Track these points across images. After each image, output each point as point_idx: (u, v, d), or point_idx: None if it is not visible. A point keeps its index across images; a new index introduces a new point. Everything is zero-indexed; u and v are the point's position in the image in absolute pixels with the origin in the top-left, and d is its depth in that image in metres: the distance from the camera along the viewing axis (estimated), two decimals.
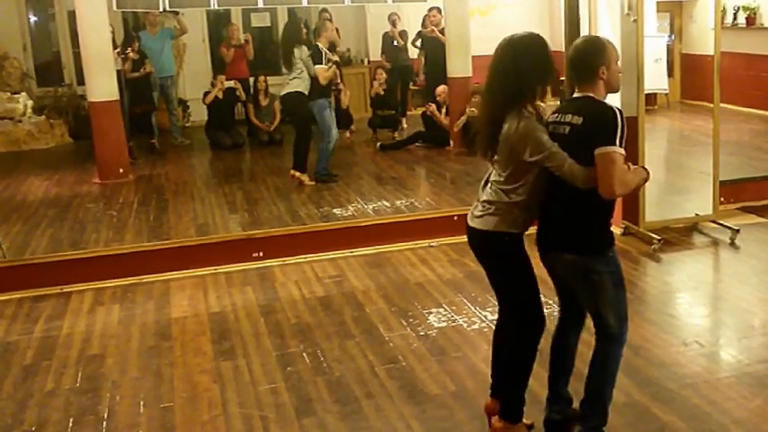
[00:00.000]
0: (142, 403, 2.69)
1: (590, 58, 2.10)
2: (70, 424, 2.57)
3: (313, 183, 5.44)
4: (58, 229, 4.70)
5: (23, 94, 7.85)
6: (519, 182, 2.11)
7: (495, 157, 2.16)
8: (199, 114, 7.90)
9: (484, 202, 2.18)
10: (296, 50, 5.31)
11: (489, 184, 2.19)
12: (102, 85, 5.76)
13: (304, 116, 5.45)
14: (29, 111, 7.76)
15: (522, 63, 2.07)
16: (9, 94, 7.77)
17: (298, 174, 5.45)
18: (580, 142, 2.03)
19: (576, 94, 2.15)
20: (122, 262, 4.00)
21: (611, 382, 2.20)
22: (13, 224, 4.83)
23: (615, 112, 2.02)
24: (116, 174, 5.87)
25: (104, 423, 2.57)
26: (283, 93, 5.45)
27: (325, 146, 5.53)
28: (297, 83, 5.32)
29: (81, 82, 6.81)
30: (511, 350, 2.29)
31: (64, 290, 3.82)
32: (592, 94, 2.10)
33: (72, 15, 6.87)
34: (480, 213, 2.18)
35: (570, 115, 2.08)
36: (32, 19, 8.69)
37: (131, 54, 6.74)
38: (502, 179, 2.14)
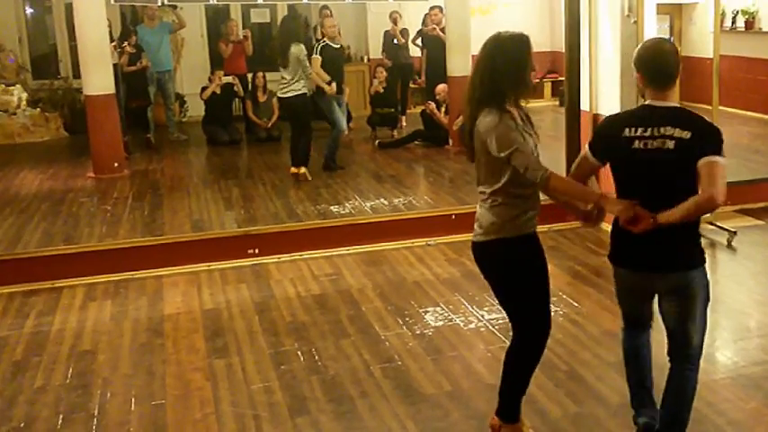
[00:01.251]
0: (133, 400, 2.65)
1: (676, 63, 1.99)
2: (60, 421, 2.53)
3: (311, 179, 5.39)
4: (51, 223, 4.65)
5: (18, 86, 7.79)
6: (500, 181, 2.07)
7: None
8: (196, 110, 7.85)
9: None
10: (293, 48, 5.17)
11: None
12: (99, 79, 5.71)
13: (306, 119, 5.39)
14: (23, 103, 7.69)
15: (499, 62, 2.05)
16: (4, 86, 7.71)
17: (303, 170, 5.37)
18: (690, 157, 1.92)
19: (654, 103, 2.00)
20: (115, 257, 3.96)
21: (690, 406, 2.10)
22: (6, 218, 4.78)
23: (718, 128, 1.99)
24: (111, 168, 5.82)
25: (95, 420, 2.53)
26: (286, 95, 5.30)
27: (336, 135, 5.59)
28: (299, 85, 5.22)
29: (77, 75, 6.74)
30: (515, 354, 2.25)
31: (56, 285, 3.78)
32: (676, 104, 2.00)
33: (69, 8, 6.78)
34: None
35: (671, 128, 1.95)
36: (29, 11, 8.62)
37: (128, 48, 6.69)
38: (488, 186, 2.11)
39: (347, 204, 4.85)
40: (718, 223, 4.26)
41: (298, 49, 5.18)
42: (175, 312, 3.44)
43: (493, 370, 2.74)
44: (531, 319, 2.18)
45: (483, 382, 2.68)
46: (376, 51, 8.31)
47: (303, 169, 5.39)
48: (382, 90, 7.25)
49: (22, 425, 2.52)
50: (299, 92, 5.25)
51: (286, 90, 5.33)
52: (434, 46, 7.23)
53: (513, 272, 2.15)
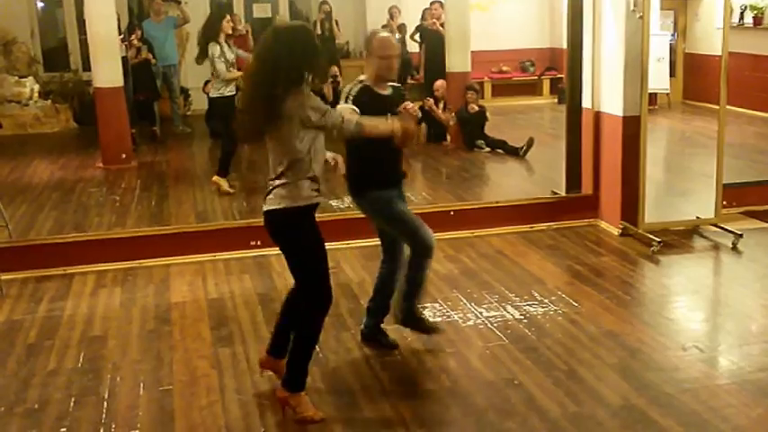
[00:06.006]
0: (142, 385, 2.72)
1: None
2: (72, 403, 2.61)
3: (233, 190, 5.03)
4: (61, 211, 4.74)
5: (30, 78, 7.90)
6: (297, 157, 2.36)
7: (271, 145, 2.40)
8: (199, 103, 7.88)
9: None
10: (210, 47, 4.86)
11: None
12: (108, 72, 5.79)
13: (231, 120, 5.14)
14: (35, 95, 7.80)
15: (279, 51, 2.30)
16: (17, 78, 7.81)
17: (220, 179, 4.99)
18: None
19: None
20: (124, 246, 4.03)
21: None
22: (19, 206, 4.87)
23: None
24: (119, 159, 5.90)
25: (105, 404, 2.60)
26: (214, 95, 5.02)
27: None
28: (220, 85, 4.95)
29: (87, 68, 6.82)
30: (299, 325, 2.46)
31: (67, 271, 3.86)
32: None
33: (79, 2, 6.88)
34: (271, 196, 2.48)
35: None
36: (40, 5, 8.71)
37: (135, 42, 6.76)
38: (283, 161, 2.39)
39: (346, 199, 4.87)
40: (724, 225, 4.17)
41: (213, 50, 4.89)
42: (182, 301, 3.50)
43: (491, 367, 2.77)
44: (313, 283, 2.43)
45: (482, 378, 2.70)
46: None
47: (220, 178, 5.03)
48: None
49: (36, 406, 2.60)
50: (226, 94, 4.92)
51: (213, 91, 5.02)
52: (434, 41, 7.19)
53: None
